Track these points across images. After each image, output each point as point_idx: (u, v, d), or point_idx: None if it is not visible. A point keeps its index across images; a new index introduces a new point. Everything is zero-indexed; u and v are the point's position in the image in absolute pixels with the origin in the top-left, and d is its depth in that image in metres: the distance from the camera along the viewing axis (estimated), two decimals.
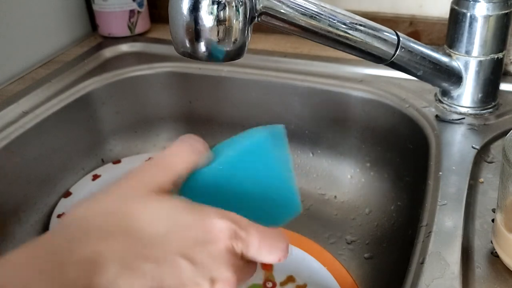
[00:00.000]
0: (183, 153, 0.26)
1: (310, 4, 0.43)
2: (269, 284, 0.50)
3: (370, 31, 0.46)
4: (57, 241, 0.22)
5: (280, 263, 0.51)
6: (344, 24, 0.45)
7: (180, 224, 0.23)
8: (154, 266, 0.22)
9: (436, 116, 0.54)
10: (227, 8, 0.38)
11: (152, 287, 0.22)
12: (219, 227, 0.24)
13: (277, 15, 0.42)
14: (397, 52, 0.48)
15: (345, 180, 0.64)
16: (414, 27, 0.67)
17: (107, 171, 0.66)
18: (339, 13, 0.44)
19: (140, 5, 0.75)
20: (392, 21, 0.67)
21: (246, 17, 0.40)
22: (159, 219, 0.23)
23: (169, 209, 0.24)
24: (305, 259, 0.50)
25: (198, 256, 0.23)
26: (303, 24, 0.43)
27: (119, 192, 0.24)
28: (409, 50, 0.49)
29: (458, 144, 0.50)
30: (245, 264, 0.26)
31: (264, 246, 0.25)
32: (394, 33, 0.48)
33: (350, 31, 0.45)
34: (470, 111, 0.54)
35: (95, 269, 0.21)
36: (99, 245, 0.22)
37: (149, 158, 0.68)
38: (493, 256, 0.37)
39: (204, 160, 0.27)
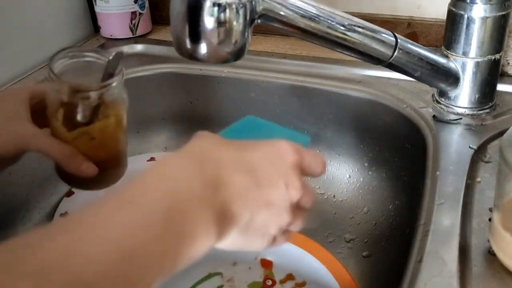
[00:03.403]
0: None
1: (309, 6, 0.43)
2: (269, 282, 0.50)
3: (368, 32, 0.46)
4: (199, 150, 0.31)
5: (279, 261, 0.51)
6: (343, 26, 0.45)
7: (262, 143, 0.33)
8: (253, 171, 0.31)
9: (434, 116, 0.55)
10: (227, 10, 0.39)
11: (252, 183, 0.31)
12: (285, 147, 0.33)
13: (277, 17, 0.42)
14: (395, 54, 0.48)
15: (344, 179, 0.65)
16: (412, 28, 0.67)
17: None
18: (338, 15, 0.45)
19: (142, 7, 0.76)
20: (390, 23, 0.68)
21: (246, 19, 0.40)
22: (251, 142, 0.33)
23: (259, 147, 0.33)
24: (304, 257, 0.50)
25: (279, 168, 0.32)
26: (302, 26, 0.43)
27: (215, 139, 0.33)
28: (407, 52, 0.49)
29: (456, 144, 0.50)
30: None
31: (313, 161, 0.35)
32: (392, 34, 0.48)
33: (348, 33, 0.45)
34: (467, 111, 0.55)
35: (220, 166, 0.30)
36: (224, 155, 0.31)
37: (151, 158, 0.68)
38: (490, 254, 0.37)
39: None
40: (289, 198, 0.33)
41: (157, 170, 0.29)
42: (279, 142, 0.33)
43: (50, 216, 0.59)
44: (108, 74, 0.41)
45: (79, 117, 0.40)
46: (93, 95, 0.39)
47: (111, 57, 0.41)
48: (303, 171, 0.35)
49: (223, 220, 0.30)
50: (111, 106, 0.41)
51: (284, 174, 0.33)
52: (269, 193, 0.32)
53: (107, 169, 0.43)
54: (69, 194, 0.61)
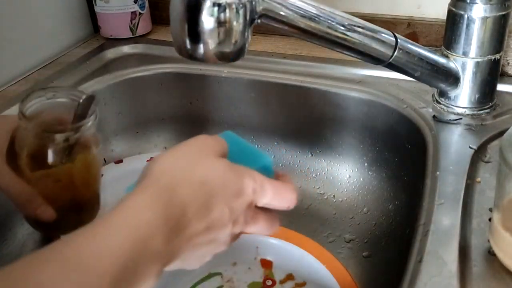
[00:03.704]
0: (222, 141, 0.35)
1: (309, 6, 0.43)
2: (269, 282, 0.50)
3: (368, 32, 0.46)
4: (158, 188, 0.30)
5: (279, 261, 0.51)
6: (343, 26, 0.45)
7: (227, 179, 0.32)
8: (208, 214, 0.31)
9: (434, 116, 0.55)
10: (227, 10, 0.39)
11: (208, 223, 0.31)
12: (247, 184, 0.32)
13: (277, 17, 0.42)
14: (395, 54, 0.48)
15: (344, 179, 0.65)
16: (412, 28, 0.67)
17: (109, 171, 0.66)
18: (338, 15, 0.45)
19: (142, 7, 0.76)
20: (390, 23, 0.68)
21: (246, 19, 0.40)
22: (217, 174, 0.32)
23: (221, 167, 0.32)
24: (304, 257, 0.50)
25: (233, 205, 0.32)
26: (302, 26, 0.43)
27: (189, 155, 0.33)
28: (407, 52, 0.49)
29: (456, 144, 0.50)
30: (266, 215, 0.35)
31: (277, 198, 0.34)
32: (392, 34, 0.48)
33: (348, 33, 0.45)
34: (467, 111, 0.55)
35: (182, 211, 0.30)
36: (186, 195, 0.30)
37: (151, 158, 0.68)
38: (490, 254, 0.37)
39: None
40: (232, 234, 0.33)
41: (117, 218, 0.28)
42: (243, 177, 0.33)
43: None
44: (79, 116, 0.39)
45: (43, 158, 0.38)
46: (59, 137, 0.38)
47: (82, 99, 0.40)
48: (267, 205, 0.35)
49: (168, 264, 0.30)
50: (80, 149, 0.39)
51: (237, 214, 0.32)
52: (216, 235, 0.32)
53: (74, 213, 0.41)
54: None
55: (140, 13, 0.76)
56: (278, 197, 0.34)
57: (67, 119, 0.40)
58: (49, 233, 0.44)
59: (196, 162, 0.32)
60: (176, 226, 0.29)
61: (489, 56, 0.52)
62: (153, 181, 0.31)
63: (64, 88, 0.43)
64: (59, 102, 0.41)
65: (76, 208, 0.41)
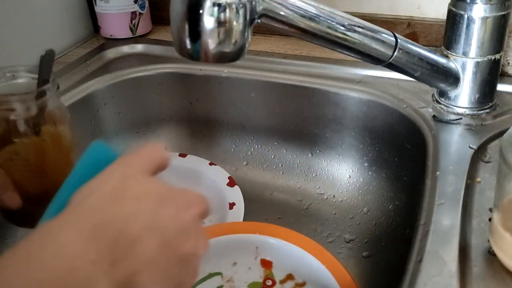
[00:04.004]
0: (157, 152, 0.32)
1: (309, 6, 0.43)
2: (269, 282, 0.50)
3: (368, 32, 0.46)
4: (86, 208, 0.27)
5: (279, 261, 0.51)
6: (343, 26, 0.45)
7: (170, 190, 0.29)
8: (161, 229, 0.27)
9: (434, 116, 0.55)
10: (227, 10, 0.39)
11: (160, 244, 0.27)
12: (193, 197, 0.30)
13: (277, 17, 0.42)
14: (395, 54, 0.48)
15: (344, 179, 0.65)
16: (412, 28, 0.67)
17: None
18: (338, 15, 0.45)
19: (142, 7, 0.76)
20: (390, 23, 0.68)
21: (246, 19, 0.40)
22: (150, 193, 0.28)
23: (157, 186, 0.29)
24: (304, 257, 0.50)
25: (185, 221, 0.29)
26: (302, 26, 0.43)
27: (119, 173, 0.29)
28: (407, 52, 0.49)
29: (456, 144, 0.50)
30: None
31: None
32: (392, 34, 0.48)
33: (348, 33, 0.45)
34: (467, 111, 0.55)
35: (122, 229, 0.26)
36: (122, 210, 0.27)
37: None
38: (490, 254, 0.37)
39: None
40: (200, 246, 0.30)
41: (38, 250, 0.24)
42: (188, 191, 0.30)
43: None
44: (42, 80, 0.36)
45: (7, 135, 0.35)
46: (19, 106, 0.35)
47: (42, 55, 0.36)
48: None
49: None
50: (46, 123, 0.36)
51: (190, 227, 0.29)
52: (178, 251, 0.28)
53: (48, 201, 0.36)
54: None
55: (140, 13, 0.76)
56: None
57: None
58: (21, 224, 0.39)
59: (122, 185, 0.28)
60: (116, 246, 0.25)
61: (489, 56, 0.52)
62: (76, 204, 0.27)
63: (23, 66, 0.39)
64: (20, 83, 0.38)
65: (49, 195, 0.36)
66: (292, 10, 0.42)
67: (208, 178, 0.65)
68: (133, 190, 0.28)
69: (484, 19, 0.50)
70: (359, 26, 0.46)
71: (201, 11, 0.38)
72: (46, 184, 0.37)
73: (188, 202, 0.30)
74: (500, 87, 0.57)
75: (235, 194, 0.61)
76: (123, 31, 0.76)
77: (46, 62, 0.37)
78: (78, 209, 0.27)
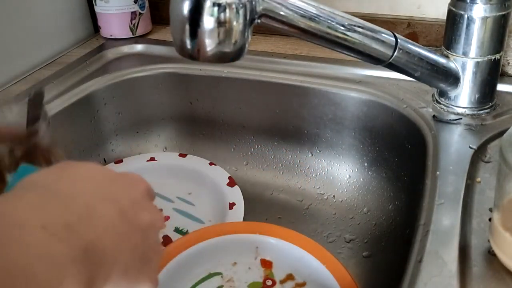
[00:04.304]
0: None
1: (309, 6, 0.43)
2: (269, 282, 0.50)
3: (368, 32, 0.46)
4: (30, 186, 0.25)
5: (279, 261, 0.51)
6: (343, 26, 0.45)
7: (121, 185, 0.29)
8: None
9: (434, 116, 0.55)
10: (227, 10, 0.39)
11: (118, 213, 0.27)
12: (134, 177, 0.30)
13: (277, 17, 0.42)
14: (395, 54, 0.48)
15: (344, 179, 0.65)
16: (412, 28, 0.67)
17: None
18: (338, 15, 0.45)
19: (142, 7, 0.76)
20: (390, 23, 0.68)
21: (246, 19, 0.40)
22: (96, 173, 0.28)
23: (100, 168, 0.29)
24: (304, 257, 0.50)
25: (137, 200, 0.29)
26: (302, 26, 0.43)
27: (58, 168, 0.28)
28: (407, 52, 0.49)
29: (456, 144, 0.50)
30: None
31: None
32: (392, 34, 0.48)
33: (348, 33, 0.45)
34: (467, 111, 0.55)
35: (73, 196, 0.25)
36: (66, 185, 0.26)
37: (151, 158, 0.68)
38: (490, 254, 0.37)
39: None
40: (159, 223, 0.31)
41: None
42: (127, 174, 0.30)
43: None
44: (32, 119, 0.36)
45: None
46: (1, 149, 0.34)
47: (29, 96, 0.36)
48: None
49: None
50: (36, 161, 0.35)
51: (142, 203, 0.29)
52: (140, 223, 0.28)
53: None
54: None
55: (140, 13, 0.76)
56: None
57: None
58: None
59: (65, 173, 0.27)
60: (67, 209, 0.24)
61: (489, 56, 0.52)
62: (16, 188, 0.26)
63: (12, 102, 0.38)
64: (10, 119, 0.37)
65: None
66: (292, 10, 0.42)
67: (208, 178, 0.65)
68: (77, 172, 0.27)
69: (484, 19, 0.50)
70: (359, 26, 0.46)
71: (201, 11, 0.38)
72: None
73: (133, 180, 0.30)
74: (500, 87, 0.57)
75: (235, 194, 0.61)
76: (123, 31, 0.76)
77: (35, 103, 0.37)
78: (23, 187, 0.25)
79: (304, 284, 0.50)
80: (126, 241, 0.26)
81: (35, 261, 0.21)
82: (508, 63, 0.61)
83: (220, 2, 0.38)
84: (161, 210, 0.54)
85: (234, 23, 0.39)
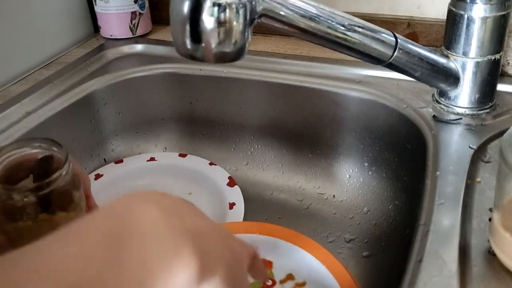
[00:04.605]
0: None
1: (309, 6, 0.43)
2: (269, 282, 0.50)
3: (368, 32, 0.46)
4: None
5: (280, 261, 0.51)
6: (343, 26, 0.45)
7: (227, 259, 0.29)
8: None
9: (434, 116, 0.55)
10: (227, 10, 0.39)
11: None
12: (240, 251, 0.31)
13: (277, 17, 0.42)
14: (395, 54, 0.48)
15: (344, 179, 0.65)
16: (412, 28, 0.67)
17: (109, 171, 0.66)
18: (338, 15, 0.45)
19: (142, 7, 0.76)
20: (390, 23, 0.68)
21: (246, 19, 0.40)
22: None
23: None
24: (304, 257, 0.50)
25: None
26: (302, 26, 0.43)
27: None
28: (407, 52, 0.49)
29: (456, 144, 0.50)
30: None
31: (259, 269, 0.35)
32: (392, 34, 0.48)
33: (348, 33, 0.45)
34: (467, 111, 0.55)
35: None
36: None
37: (151, 158, 0.68)
38: (490, 254, 0.37)
39: None
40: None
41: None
42: (234, 244, 0.30)
43: None
44: (38, 175, 0.38)
45: (12, 213, 0.37)
46: (16, 196, 0.37)
47: (39, 159, 0.39)
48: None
49: None
50: (57, 202, 0.38)
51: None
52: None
53: None
54: None
55: (140, 13, 0.76)
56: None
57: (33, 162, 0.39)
58: None
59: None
60: None
61: (489, 56, 0.52)
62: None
63: (38, 139, 0.41)
64: (31, 154, 0.40)
65: None
66: (292, 10, 0.42)
67: (208, 178, 0.65)
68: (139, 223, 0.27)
69: (484, 19, 0.50)
70: (359, 26, 0.46)
71: (201, 11, 0.38)
72: None
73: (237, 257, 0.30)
74: (500, 87, 0.57)
75: (235, 194, 0.61)
76: (123, 31, 0.76)
77: (43, 164, 0.39)
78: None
79: (304, 284, 0.50)
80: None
81: None
82: (508, 63, 0.61)
83: (220, 2, 0.38)
84: None
85: (234, 23, 0.39)
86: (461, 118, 0.54)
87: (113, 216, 0.26)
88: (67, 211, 0.39)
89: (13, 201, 0.37)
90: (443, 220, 0.40)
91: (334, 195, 0.65)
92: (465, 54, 0.52)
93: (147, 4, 0.77)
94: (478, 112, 0.54)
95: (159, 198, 0.28)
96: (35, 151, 0.40)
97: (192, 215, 0.28)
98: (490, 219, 0.40)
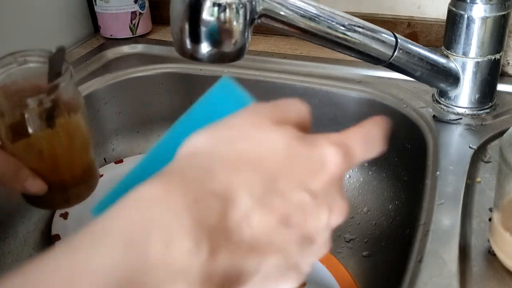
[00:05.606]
0: (296, 106, 0.26)
1: (309, 6, 0.43)
2: None
3: (368, 32, 0.46)
4: (187, 174, 0.21)
5: None
6: (343, 26, 0.45)
7: (297, 155, 0.23)
8: (281, 201, 0.22)
9: (434, 116, 0.55)
10: (227, 10, 0.39)
11: (281, 222, 0.22)
12: (330, 155, 0.24)
13: (277, 17, 0.42)
14: (395, 54, 0.48)
15: (344, 179, 0.65)
16: (412, 28, 0.67)
17: (109, 171, 0.66)
18: (338, 15, 0.45)
19: (142, 7, 0.76)
20: (390, 23, 0.68)
21: (246, 19, 0.40)
22: (279, 149, 0.23)
23: (287, 139, 0.23)
24: None
25: (316, 187, 0.23)
26: (302, 26, 0.43)
27: (239, 123, 0.24)
28: (407, 52, 0.49)
29: (456, 144, 0.50)
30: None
31: (367, 149, 0.26)
32: (392, 34, 0.48)
33: (348, 33, 0.45)
34: (467, 111, 0.55)
35: (228, 203, 0.21)
36: (230, 177, 0.21)
37: None
38: (490, 254, 0.37)
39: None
40: (331, 227, 0.24)
41: (111, 225, 0.19)
42: (317, 142, 0.24)
43: (50, 215, 0.59)
44: (52, 75, 0.36)
45: (22, 128, 0.35)
46: (31, 102, 0.35)
47: (52, 54, 0.37)
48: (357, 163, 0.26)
49: (224, 285, 0.20)
50: (59, 114, 0.36)
51: (324, 194, 0.23)
52: (305, 232, 0.23)
53: (67, 186, 0.38)
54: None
55: (140, 13, 0.76)
56: (368, 146, 0.27)
57: (40, 84, 0.37)
58: (44, 207, 0.41)
59: (244, 135, 0.23)
60: (218, 226, 0.20)
61: (489, 56, 0.52)
62: (175, 167, 0.22)
63: (34, 50, 0.38)
64: (32, 68, 0.38)
65: (66, 181, 0.38)
66: (292, 10, 0.42)
67: None
68: (251, 152, 0.22)
69: (484, 19, 0.50)
70: (359, 26, 0.46)
71: (201, 11, 0.38)
72: (61, 172, 0.38)
73: (319, 163, 0.23)
74: (500, 87, 0.57)
75: None
76: (123, 31, 0.76)
77: (57, 59, 0.37)
78: (178, 170, 0.22)
79: (304, 284, 0.50)
80: (277, 262, 0.22)
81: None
82: (508, 63, 0.61)
83: (220, 2, 0.38)
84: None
85: (234, 23, 0.39)
86: (461, 118, 0.54)
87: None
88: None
89: (27, 110, 0.35)
90: (443, 220, 0.40)
91: None
92: (465, 54, 0.52)
93: (147, 4, 0.77)
94: (478, 112, 0.54)
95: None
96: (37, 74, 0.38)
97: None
98: (490, 219, 0.40)
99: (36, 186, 0.36)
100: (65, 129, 0.37)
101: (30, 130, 0.36)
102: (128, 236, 0.19)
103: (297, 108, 0.26)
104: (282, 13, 0.42)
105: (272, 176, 0.22)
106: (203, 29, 0.39)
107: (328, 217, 0.23)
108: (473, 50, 0.52)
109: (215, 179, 0.21)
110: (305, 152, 0.23)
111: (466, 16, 0.51)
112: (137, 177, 0.24)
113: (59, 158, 0.38)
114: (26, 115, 0.35)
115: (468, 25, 0.51)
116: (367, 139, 0.26)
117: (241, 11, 0.39)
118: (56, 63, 0.36)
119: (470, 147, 0.49)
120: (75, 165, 0.39)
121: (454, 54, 0.53)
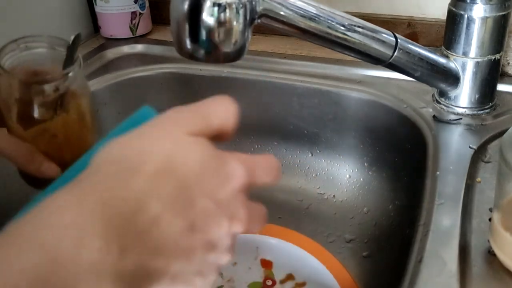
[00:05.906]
0: (220, 108, 0.28)
1: (309, 6, 0.43)
2: (269, 282, 0.50)
3: (368, 32, 0.46)
4: (100, 181, 0.23)
5: (280, 261, 0.51)
6: (343, 26, 0.45)
7: (207, 167, 0.25)
8: (189, 208, 0.23)
9: (434, 116, 0.55)
10: (227, 10, 0.39)
11: (187, 227, 0.23)
12: (236, 171, 0.26)
13: (277, 17, 0.42)
14: (395, 54, 0.48)
15: (344, 179, 0.65)
16: (412, 28, 0.67)
17: None
18: (338, 15, 0.45)
19: (142, 7, 0.76)
20: (390, 23, 0.68)
21: (246, 19, 0.40)
22: (190, 161, 0.24)
23: (198, 153, 0.25)
24: (304, 257, 0.50)
25: (221, 197, 0.25)
26: (302, 26, 0.43)
27: (153, 133, 0.26)
28: (407, 52, 0.49)
29: (456, 144, 0.50)
30: (255, 205, 0.28)
31: (264, 172, 0.28)
32: (392, 34, 0.48)
33: (348, 33, 0.45)
34: (468, 111, 0.55)
35: (139, 207, 0.22)
36: (141, 185, 0.23)
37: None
38: (490, 254, 0.37)
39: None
40: (232, 234, 0.26)
41: (28, 229, 0.20)
42: (225, 158, 0.26)
43: None
44: (68, 61, 0.37)
45: (35, 113, 0.36)
46: (48, 88, 0.35)
47: (71, 40, 0.37)
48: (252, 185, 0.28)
49: (134, 284, 0.22)
50: (71, 99, 0.37)
51: (227, 204, 0.25)
52: (209, 238, 0.24)
53: None
54: None
55: (140, 13, 0.76)
56: (266, 169, 0.29)
57: (49, 70, 0.37)
58: None
59: (157, 146, 0.24)
60: (128, 228, 0.21)
61: (489, 56, 0.52)
62: (88, 174, 0.23)
63: (40, 36, 0.39)
64: (38, 52, 0.39)
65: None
66: (292, 10, 0.42)
67: None
68: (162, 163, 0.24)
69: (484, 19, 0.50)
70: (359, 26, 0.46)
71: (201, 11, 0.38)
72: (74, 152, 0.38)
73: (226, 176, 0.25)
74: (500, 87, 0.57)
75: None
76: (123, 31, 0.76)
77: (73, 47, 0.38)
78: (90, 179, 0.23)
79: (304, 284, 0.50)
80: (184, 262, 0.23)
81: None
82: (508, 63, 0.61)
83: (220, 2, 0.38)
84: None
85: (234, 23, 0.39)
86: (461, 118, 0.54)
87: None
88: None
89: (43, 96, 0.35)
90: (443, 220, 0.40)
91: (334, 195, 0.65)
92: (465, 54, 0.52)
93: (147, 4, 0.77)
94: (478, 112, 0.54)
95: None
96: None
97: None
98: (490, 219, 0.40)
99: (52, 169, 0.37)
100: (78, 113, 0.38)
101: (44, 116, 0.36)
102: (41, 239, 0.20)
103: (220, 111, 0.27)
104: (282, 13, 0.42)
105: (182, 186, 0.23)
106: (203, 29, 0.39)
107: (229, 224, 0.25)
108: (473, 50, 0.52)
109: (127, 187, 0.23)
110: (214, 166, 0.25)
111: (466, 16, 0.51)
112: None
113: (71, 142, 0.38)
114: (41, 101, 0.36)
115: (468, 25, 0.51)
116: (268, 166, 0.29)
117: (241, 11, 0.39)
118: (71, 50, 0.37)
119: (470, 147, 0.49)
120: (85, 149, 0.40)
121: (454, 54, 0.53)
